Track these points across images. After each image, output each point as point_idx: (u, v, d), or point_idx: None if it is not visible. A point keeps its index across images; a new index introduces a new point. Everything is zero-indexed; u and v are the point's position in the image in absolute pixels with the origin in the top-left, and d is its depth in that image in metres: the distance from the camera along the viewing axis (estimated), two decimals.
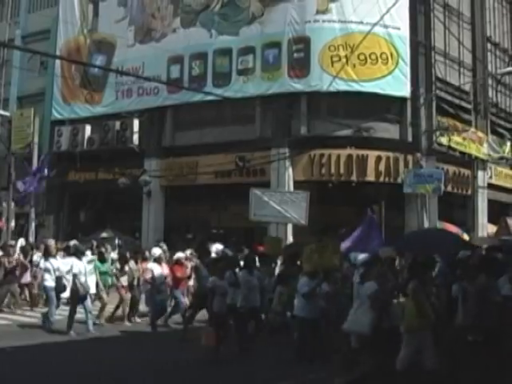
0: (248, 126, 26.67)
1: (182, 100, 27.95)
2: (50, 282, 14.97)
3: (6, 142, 32.08)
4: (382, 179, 25.66)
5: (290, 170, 25.88)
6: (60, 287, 14.83)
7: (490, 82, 30.89)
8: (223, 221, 28.09)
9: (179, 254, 16.23)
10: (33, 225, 28.56)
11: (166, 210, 29.16)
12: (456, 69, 28.52)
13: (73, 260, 14.87)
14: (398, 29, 25.77)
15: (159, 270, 15.72)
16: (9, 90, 35.31)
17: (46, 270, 15.13)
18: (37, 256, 18.65)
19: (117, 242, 25.32)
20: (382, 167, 25.58)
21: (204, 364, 11.04)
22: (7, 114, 32.13)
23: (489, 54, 31.13)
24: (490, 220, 29.11)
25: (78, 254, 15.09)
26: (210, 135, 27.30)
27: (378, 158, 25.58)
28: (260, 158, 25.89)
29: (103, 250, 18.52)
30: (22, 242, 20.77)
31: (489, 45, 31.13)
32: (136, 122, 29.52)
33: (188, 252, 17.21)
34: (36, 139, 29.93)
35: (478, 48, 30.03)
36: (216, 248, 19.09)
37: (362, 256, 12.04)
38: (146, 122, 29.73)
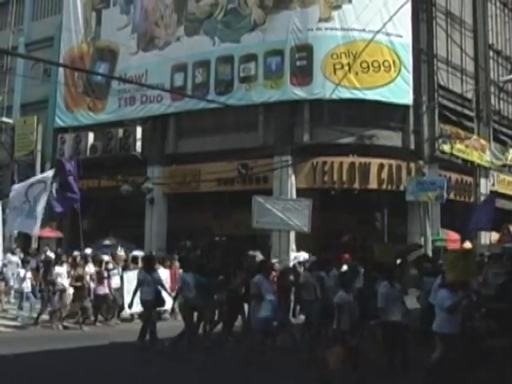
0: (251, 134, 26.70)
1: (185, 108, 28.07)
2: (149, 295, 13.26)
3: (9, 150, 32.23)
4: (384, 187, 25.65)
5: (293, 177, 25.88)
6: (160, 300, 13.53)
7: (492, 89, 30.94)
8: (226, 228, 28.09)
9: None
10: None
11: (168, 218, 29.18)
12: (458, 76, 28.55)
13: (162, 271, 14.63)
14: (401, 36, 25.81)
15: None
16: (12, 98, 35.41)
17: (147, 283, 13.30)
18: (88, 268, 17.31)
19: (119, 249, 25.31)
20: (384, 175, 25.58)
21: None
22: (10, 121, 32.25)
23: (491, 61, 31.19)
24: (493, 227, 29.02)
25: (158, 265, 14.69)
26: (212, 143, 27.33)
27: (381, 166, 25.58)
28: (263, 166, 25.90)
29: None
30: (88, 251, 19.13)
31: (491, 52, 31.20)
32: (139, 130, 29.59)
33: (275, 261, 17.56)
34: (39, 147, 30.04)
35: (481, 55, 30.08)
36: (303, 257, 19.17)
37: None
38: (149, 130, 29.79)
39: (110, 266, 17.18)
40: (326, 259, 15.35)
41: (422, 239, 25.28)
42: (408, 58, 25.92)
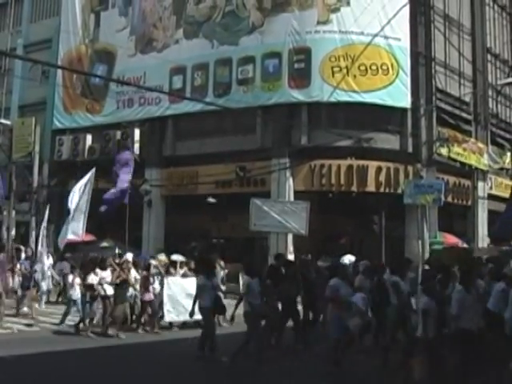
0: (248, 136, 26.71)
1: (183, 110, 28.09)
2: (208, 301, 12.35)
3: (7, 151, 32.16)
4: (382, 190, 25.66)
5: (291, 180, 25.88)
6: (222, 307, 12.79)
7: (490, 92, 30.97)
8: (223, 230, 28.09)
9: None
10: (33, 234, 28.55)
11: (166, 220, 29.19)
12: (456, 79, 28.58)
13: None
14: (399, 40, 25.84)
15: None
16: (10, 99, 35.44)
17: (206, 289, 12.37)
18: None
19: (117, 251, 25.27)
20: (382, 178, 25.60)
21: None
22: (8, 122, 32.20)
23: (489, 64, 31.23)
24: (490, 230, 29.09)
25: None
26: (210, 145, 27.35)
27: (379, 169, 25.60)
28: (260, 168, 25.92)
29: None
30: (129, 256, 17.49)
31: (489, 56, 31.24)
32: (137, 132, 29.59)
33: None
34: (37, 148, 30.04)
35: (478, 59, 30.11)
36: (349, 260, 19.05)
37: None
38: (147, 132, 29.80)
39: (155, 270, 16.12)
40: (380, 264, 15.12)
41: (420, 242, 25.26)
42: (406, 61, 25.95)
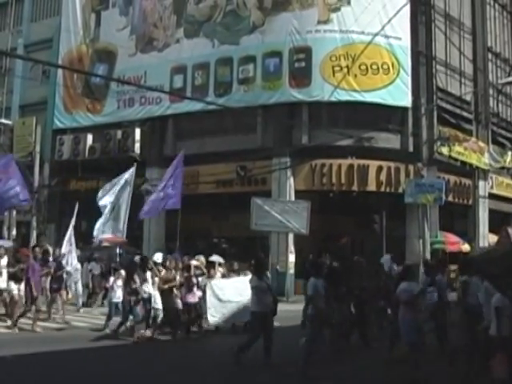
0: (249, 136, 26.70)
1: (184, 109, 28.08)
2: (259, 305, 11.30)
3: (8, 151, 32.15)
4: (383, 189, 25.67)
5: (291, 179, 25.87)
6: (275, 310, 11.67)
7: (490, 91, 30.96)
8: (224, 230, 28.09)
9: None
10: (34, 233, 28.54)
11: (167, 219, 29.12)
12: (457, 79, 28.57)
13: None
14: (399, 39, 25.83)
15: None
16: (11, 99, 35.43)
17: (260, 291, 11.40)
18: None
19: (118, 251, 25.26)
20: (383, 177, 25.60)
21: None
22: (9, 122, 32.23)
23: (490, 63, 31.22)
24: (491, 230, 29.04)
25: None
26: (211, 144, 27.34)
27: (379, 168, 25.60)
28: (261, 168, 25.91)
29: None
30: (158, 257, 16.93)
31: (490, 55, 31.22)
32: (137, 131, 29.59)
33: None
34: (38, 148, 29.96)
35: (479, 58, 30.11)
36: (386, 259, 18.99)
37: None
38: (148, 131, 29.79)
39: (198, 271, 15.36)
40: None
41: (421, 241, 25.31)
42: (407, 61, 25.94)
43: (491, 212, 29.75)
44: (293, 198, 25.11)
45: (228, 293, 14.83)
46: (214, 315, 14.76)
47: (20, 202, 17.39)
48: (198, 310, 14.80)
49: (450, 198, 27.25)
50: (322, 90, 25.47)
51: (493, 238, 28.33)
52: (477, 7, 30.42)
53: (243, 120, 26.86)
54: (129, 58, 30.52)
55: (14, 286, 15.98)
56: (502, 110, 32.30)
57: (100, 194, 19.38)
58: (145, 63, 29.83)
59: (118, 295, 15.28)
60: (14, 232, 28.87)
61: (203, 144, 27.65)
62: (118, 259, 23.68)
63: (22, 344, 12.99)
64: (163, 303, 14.33)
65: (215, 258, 17.49)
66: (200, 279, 15.12)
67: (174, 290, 14.70)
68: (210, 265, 16.18)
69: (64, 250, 17.90)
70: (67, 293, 17.99)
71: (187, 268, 15.16)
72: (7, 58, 35.91)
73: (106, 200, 18.30)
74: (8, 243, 21.14)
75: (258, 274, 11.59)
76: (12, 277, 16.12)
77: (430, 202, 25.36)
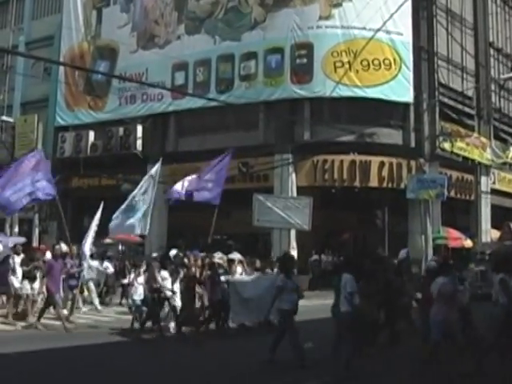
0: (251, 132, 26.69)
1: (186, 106, 28.08)
2: (289, 303, 10.96)
3: (10, 148, 32.20)
4: (385, 185, 25.66)
5: (293, 175, 25.88)
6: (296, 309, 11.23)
7: (492, 87, 30.94)
8: (226, 227, 27.98)
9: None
10: (36, 231, 28.59)
11: (169, 216, 29.17)
12: (459, 74, 28.55)
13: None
14: (401, 34, 25.81)
15: None
16: (12, 96, 35.43)
17: (287, 290, 11.09)
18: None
19: (120, 248, 25.32)
20: (385, 173, 25.59)
21: None
22: (11, 120, 32.28)
23: (492, 59, 31.21)
24: (494, 225, 29.09)
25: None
26: (213, 141, 27.28)
27: (381, 164, 25.59)
28: (263, 164, 25.89)
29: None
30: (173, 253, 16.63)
31: (492, 50, 31.20)
32: (139, 128, 29.60)
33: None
34: (40, 145, 29.99)
35: (481, 53, 30.08)
36: (402, 254, 18.80)
37: None
38: (150, 128, 29.79)
39: (221, 270, 14.81)
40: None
41: (423, 237, 25.31)
42: (408, 56, 25.93)
43: (493, 207, 29.75)
44: (295, 194, 25.09)
45: (250, 291, 14.37)
46: (238, 313, 14.36)
47: (46, 196, 17.19)
48: (220, 309, 14.34)
49: (452, 194, 27.24)
50: (324, 85, 25.44)
51: (495, 234, 28.43)
52: (478, 2, 30.39)
53: (245, 116, 26.84)
54: (130, 55, 30.50)
55: (27, 286, 15.72)
56: (503, 105, 32.28)
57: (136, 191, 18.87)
58: (146, 60, 29.80)
59: (140, 292, 14.76)
60: (16, 229, 28.92)
61: (205, 140, 27.63)
62: (120, 256, 23.84)
63: (53, 341, 12.76)
64: (185, 301, 13.86)
65: (235, 255, 17.26)
66: (222, 278, 14.61)
67: (196, 288, 14.29)
68: (230, 262, 15.83)
69: (86, 247, 17.43)
70: (81, 291, 17.69)
71: (210, 266, 14.71)
72: (9, 55, 35.94)
73: (130, 197, 18.01)
74: (21, 240, 20.95)
75: (286, 272, 11.22)
76: (26, 275, 15.80)
77: (432, 198, 25.36)
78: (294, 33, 26.31)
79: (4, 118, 32.08)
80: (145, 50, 30.32)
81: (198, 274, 14.50)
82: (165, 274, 13.86)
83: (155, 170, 18.33)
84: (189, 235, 28.84)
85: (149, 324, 14.09)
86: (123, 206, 17.42)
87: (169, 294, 13.69)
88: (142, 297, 14.61)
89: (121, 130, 29.93)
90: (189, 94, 27.74)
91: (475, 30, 29.93)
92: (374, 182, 25.53)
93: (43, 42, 34.22)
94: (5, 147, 32.58)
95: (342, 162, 25.52)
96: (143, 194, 17.54)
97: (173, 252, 16.43)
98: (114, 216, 17.64)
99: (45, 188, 16.89)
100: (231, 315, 14.36)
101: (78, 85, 32.28)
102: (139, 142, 29.49)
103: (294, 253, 24.78)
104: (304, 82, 26.05)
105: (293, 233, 24.66)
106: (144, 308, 14.41)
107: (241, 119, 27.02)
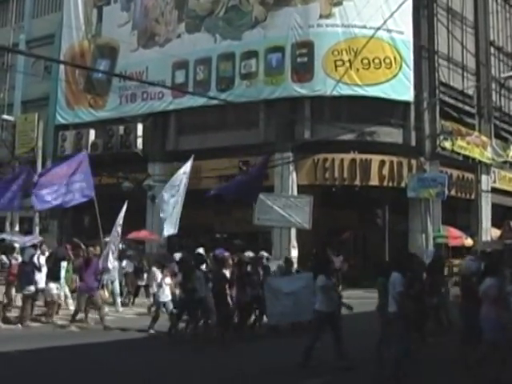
0: (251, 131, 26.68)
1: (186, 105, 28.05)
2: (325, 304, 10.62)
3: (10, 147, 32.22)
4: (385, 183, 25.65)
5: (294, 174, 25.87)
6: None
7: (493, 85, 30.93)
8: (227, 225, 28.11)
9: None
10: (37, 229, 28.57)
11: None
12: (459, 73, 28.54)
13: None
14: (402, 33, 25.79)
15: None
16: (13, 95, 35.41)
17: (325, 290, 10.69)
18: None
19: (120, 246, 25.28)
20: (385, 171, 25.59)
21: None
22: (11, 118, 32.26)
23: (492, 57, 31.19)
24: (494, 224, 29.08)
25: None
26: (213, 139, 27.31)
27: (382, 163, 25.58)
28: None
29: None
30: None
31: (492, 49, 31.19)
32: (140, 127, 29.59)
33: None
34: (40, 144, 30.00)
35: (482, 52, 30.06)
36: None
37: None
38: (150, 127, 29.77)
39: (249, 269, 14.32)
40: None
41: (423, 236, 25.31)
42: (409, 55, 25.91)
43: (494, 206, 29.74)
44: (295, 193, 25.09)
45: (286, 291, 13.85)
46: (273, 314, 13.83)
47: (82, 198, 17.02)
48: (250, 310, 13.91)
49: (453, 193, 27.23)
50: (325, 84, 25.43)
51: (495, 233, 28.43)
52: (479, 1, 30.38)
53: (245, 115, 26.83)
54: (130, 54, 30.49)
55: (52, 285, 15.42)
56: (504, 103, 32.27)
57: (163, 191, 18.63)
58: (146, 58, 29.80)
59: (167, 293, 14.38)
60: (16, 228, 28.92)
61: (205, 139, 27.61)
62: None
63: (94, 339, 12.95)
64: (217, 302, 13.29)
65: (263, 253, 17.08)
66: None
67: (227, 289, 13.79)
68: (259, 260, 15.50)
69: (113, 248, 17.02)
70: (104, 291, 17.50)
71: (239, 265, 14.32)
72: (9, 53, 35.89)
73: (165, 196, 17.83)
74: (37, 239, 20.79)
75: (326, 272, 10.92)
76: (49, 275, 15.43)
77: (433, 197, 25.38)
78: (295, 31, 26.30)
79: (4, 116, 32.05)
80: (145, 48, 30.32)
81: (229, 274, 14.09)
82: (199, 273, 13.41)
83: (186, 167, 18.06)
84: (189, 234, 28.90)
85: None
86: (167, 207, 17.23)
87: (201, 294, 13.13)
88: (169, 298, 14.32)
89: (121, 128, 29.91)
90: (189, 93, 27.74)
91: (476, 28, 29.91)
92: (374, 181, 25.52)
93: (44, 40, 34.20)
94: (5, 146, 32.59)
95: (342, 160, 25.51)
96: (175, 193, 17.33)
97: (200, 250, 16.05)
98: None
99: (83, 189, 16.80)
100: (266, 316, 13.93)
101: (78, 83, 32.27)
102: (140, 141, 29.48)
103: (295, 251, 24.83)
104: (304, 80, 26.04)
105: (293, 231, 24.67)
106: (173, 309, 14.04)
107: (241, 118, 27.01)
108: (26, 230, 30.08)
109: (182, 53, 28.47)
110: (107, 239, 25.43)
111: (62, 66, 32.56)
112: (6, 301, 16.19)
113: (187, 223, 28.51)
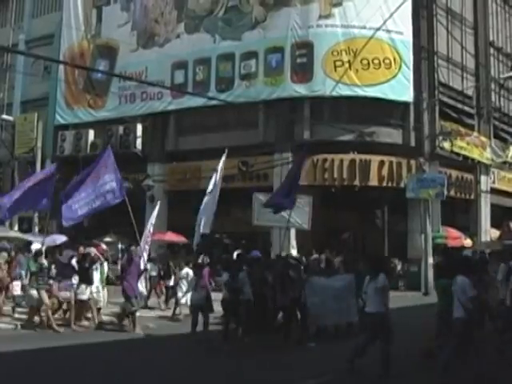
0: (251, 131, 26.68)
1: (186, 105, 28.05)
2: (376, 306, 10.35)
3: (10, 147, 32.19)
4: (384, 184, 25.65)
5: None
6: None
7: (492, 86, 30.95)
8: (226, 226, 28.02)
9: None
10: (36, 229, 28.54)
11: (169, 215, 29.13)
12: (459, 73, 28.55)
13: None
14: (401, 34, 25.78)
15: None
16: (12, 95, 35.40)
17: (387, 291, 10.45)
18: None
19: (119, 246, 25.31)
20: (384, 172, 25.59)
21: None
22: (11, 118, 32.22)
23: (492, 58, 31.23)
24: (493, 224, 29.11)
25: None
26: (212, 140, 27.28)
27: (381, 163, 25.58)
28: (263, 163, 25.90)
29: None
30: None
31: (492, 49, 31.22)
32: (139, 127, 29.59)
33: None
34: (39, 144, 29.99)
35: (481, 53, 30.09)
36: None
37: None
38: (150, 127, 29.79)
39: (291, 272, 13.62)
40: None
41: (423, 236, 25.32)
42: (408, 55, 25.90)
43: (493, 207, 29.77)
44: None
45: (329, 292, 13.53)
46: (318, 315, 13.34)
47: (113, 200, 16.23)
48: (292, 313, 13.33)
49: (452, 193, 27.25)
50: (324, 84, 25.45)
51: (495, 233, 28.46)
52: (479, 2, 30.41)
53: (245, 115, 26.85)
54: (130, 54, 30.47)
55: (83, 289, 14.82)
56: (503, 104, 32.31)
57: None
58: (146, 59, 29.79)
59: (203, 295, 13.46)
60: (16, 228, 28.89)
61: (205, 139, 27.63)
62: (119, 255, 23.78)
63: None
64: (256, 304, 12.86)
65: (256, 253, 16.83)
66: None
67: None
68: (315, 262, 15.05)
69: (144, 249, 16.84)
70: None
71: (284, 267, 13.77)
72: (8, 53, 35.89)
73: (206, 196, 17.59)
74: (62, 238, 20.45)
75: (386, 272, 10.42)
76: (81, 278, 14.86)
77: (432, 197, 25.38)
78: (294, 32, 26.30)
79: (4, 116, 32.00)
80: (145, 48, 30.32)
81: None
82: (243, 275, 12.93)
83: (221, 163, 17.92)
84: (189, 235, 28.89)
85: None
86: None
87: (247, 296, 12.66)
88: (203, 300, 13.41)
89: (121, 128, 29.90)
90: (189, 93, 27.74)
91: (475, 29, 29.94)
92: (373, 181, 25.52)
93: (43, 40, 34.16)
94: (4, 146, 32.57)
95: (341, 161, 25.51)
96: (210, 192, 17.14)
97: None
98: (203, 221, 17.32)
99: (115, 191, 16.00)
100: (309, 318, 13.33)
101: (77, 83, 32.26)
102: (139, 141, 29.47)
103: (294, 252, 24.80)
104: (304, 81, 26.04)
105: (292, 232, 24.63)
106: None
107: (241, 118, 27.03)
108: (25, 230, 30.10)
109: (181, 53, 28.49)
110: (107, 239, 25.59)
111: (61, 66, 32.55)
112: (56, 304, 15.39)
113: (187, 223, 28.67)
